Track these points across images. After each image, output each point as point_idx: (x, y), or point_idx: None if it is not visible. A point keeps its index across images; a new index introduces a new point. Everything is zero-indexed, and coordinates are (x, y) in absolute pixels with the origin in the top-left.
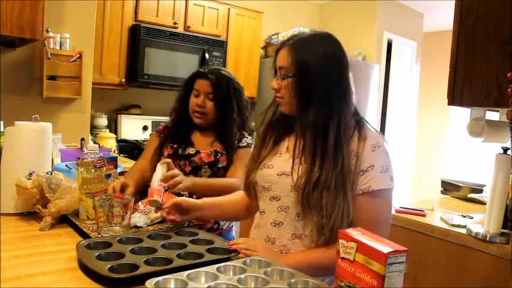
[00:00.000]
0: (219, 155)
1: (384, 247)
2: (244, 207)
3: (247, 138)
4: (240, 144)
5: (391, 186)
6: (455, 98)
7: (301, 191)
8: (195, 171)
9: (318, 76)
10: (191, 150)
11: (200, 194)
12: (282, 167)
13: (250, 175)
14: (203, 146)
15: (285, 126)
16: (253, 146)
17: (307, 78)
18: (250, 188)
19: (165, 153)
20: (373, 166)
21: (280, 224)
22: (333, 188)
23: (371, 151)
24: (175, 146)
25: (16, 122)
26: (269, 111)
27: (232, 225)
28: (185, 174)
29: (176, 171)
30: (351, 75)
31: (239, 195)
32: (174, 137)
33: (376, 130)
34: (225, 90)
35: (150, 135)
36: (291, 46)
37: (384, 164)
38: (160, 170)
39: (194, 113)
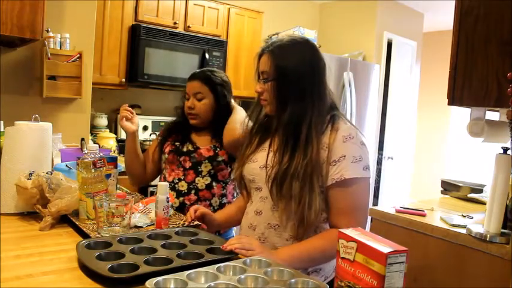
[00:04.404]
0: (218, 149)
1: (384, 247)
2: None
3: None
4: None
5: (365, 175)
6: (455, 98)
7: (271, 181)
8: (196, 166)
9: (295, 79)
10: (191, 147)
11: None
12: (265, 160)
13: (238, 169)
14: (203, 143)
15: (269, 125)
16: None
17: (285, 82)
18: (241, 182)
19: (167, 149)
20: (344, 156)
21: (260, 213)
22: (302, 178)
23: (342, 142)
24: (176, 143)
25: (16, 122)
26: (253, 114)
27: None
28: (185, 169)
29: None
30: (327, 75)
31: (241, 198)
32: (174, 134)
33: (351, 123)
34: (212, 81)
35: (150, 136)
36: (271, 52)
37: (356, 155)
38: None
39: (188, 115)
